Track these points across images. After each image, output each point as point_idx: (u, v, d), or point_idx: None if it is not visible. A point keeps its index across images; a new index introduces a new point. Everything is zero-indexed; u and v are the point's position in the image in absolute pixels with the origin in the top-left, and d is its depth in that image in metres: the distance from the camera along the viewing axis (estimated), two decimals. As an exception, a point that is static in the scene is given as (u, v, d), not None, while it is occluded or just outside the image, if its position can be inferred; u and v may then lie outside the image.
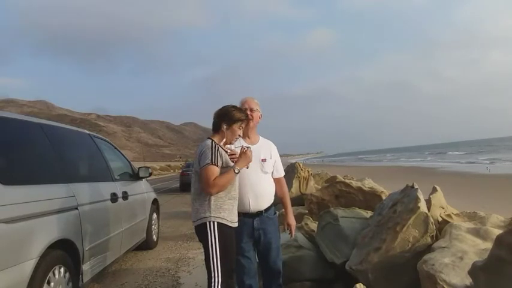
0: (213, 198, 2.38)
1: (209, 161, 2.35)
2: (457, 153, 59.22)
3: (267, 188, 2.76)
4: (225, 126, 2.50)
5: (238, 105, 2.80)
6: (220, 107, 2.59)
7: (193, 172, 2.52)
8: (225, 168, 2.41)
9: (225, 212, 2.41)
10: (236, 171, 2.42)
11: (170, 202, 13.22)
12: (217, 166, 2.37)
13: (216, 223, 2.37)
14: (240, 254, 2.65)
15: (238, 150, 2.57)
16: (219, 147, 2.44)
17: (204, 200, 2.39)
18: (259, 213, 2.70)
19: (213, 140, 2.46)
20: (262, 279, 2.89)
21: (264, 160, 2.75)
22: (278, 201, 2.94)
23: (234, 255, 2.52)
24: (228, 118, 2.50)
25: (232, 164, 2.45)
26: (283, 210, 3.02)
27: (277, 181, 2.87)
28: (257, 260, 2.81)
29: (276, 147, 2.90)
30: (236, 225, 2.50)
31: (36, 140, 3.18)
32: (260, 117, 2.83)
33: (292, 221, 2.90)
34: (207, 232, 2.37)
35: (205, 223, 2.38)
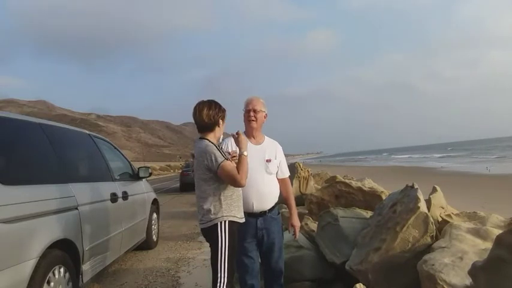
0: (222, 198, 2.40)
1: (221, 159, 2.37)
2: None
3: (271, 188, 2.76)
4: (221, 122, 2.52)
5: (243, 105, 2.80)
6: (202, 106, 2.48)
7: (196, 176, 2.49)
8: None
9: (234, 209, 2.44)
10: (245, 154, 2.43)
11: (170, 202, 13.22)
12: (229, 161, 2.42)
13: (227, 222, 2.39)
14: (243, 253, 2.65)
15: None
16: (218, 146, 2.47)
17: (215, 201, 2.40)
18: (262, 213, 2.70)
19: (210, 141, 2.46)
20: (263, 279, 2.89)
21: (268, 160, 2.75)
22: (281, 201, 2.93)
23: (235, 255, 2.52)
24: (223, 113, 2.52)
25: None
26: (285, 209, 3.01)
27: (281, 181, 2.87)
28: (259, 260, 2.81)
29: (281, 148, 2.90)
30: (243, 220, 2.51)
31: (36, 140, 3.18)
32: (265, 117, 2.82)
33: (296, 222, 2.89)
34: (218, 232, 2.38)
35: (217, 224, 2.38)
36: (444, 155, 54.62)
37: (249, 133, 2.79)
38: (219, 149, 2.46)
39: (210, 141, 2.46)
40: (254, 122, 2.74)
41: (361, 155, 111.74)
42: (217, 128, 2.51)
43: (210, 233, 2.42)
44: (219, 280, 2.35)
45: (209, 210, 2.40)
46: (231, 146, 2.71)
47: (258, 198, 2.67)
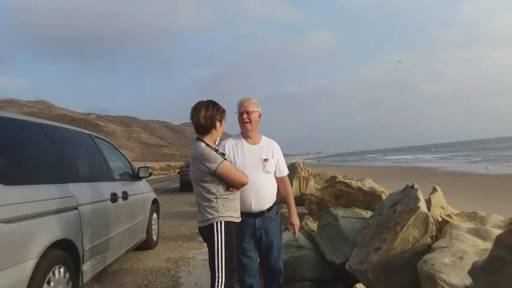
0: (219, 198, 2.39)
1: (221, 159, 2.37)
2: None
3: (269, 187, 2.75)
4: (218, 124, 2.47)
5: (236, 106, 2.79)
6: (199, 107, 2.44)
7: (191, 177, 2.48)
8: None
9: (231, 210, 2.43)
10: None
11: (170, 202, 13.23)
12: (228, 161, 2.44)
13: (223, 222, 2.39)
14: (241, 253, 2.65)
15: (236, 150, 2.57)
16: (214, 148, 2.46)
17: (212, 201, 2.39)
18: (261, 213, 2.70)
19: (206, 143, 2.44)
20: (262, 279, 2.89)
21: (266, 160, 2.74)
22: (280, 200, 2.93)
23: (235, 255, 2.52)
24: (221, 115, 2.48)
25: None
26: (285, 209, 3.01)
27: (280, 180, 2.87)
28: (258, 260, 2.81)
29: (279, 147, 2.89)
30: (240, 219, 2.51)
31: (36, 140, 3.18)
32: (259, 117, 2.81)
33: (295, 220, 2.88)
34: (214, 232, 2.38)
35: (213, 224, 2.38)
36: (430, 156, 54.95)
37: (245, 134, 2.79)
38: (216, 150, 2.46)
39: (206, 143, 2.44)
40: (248, 124, 2.73)
41: (355, 156, 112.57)
42: (214, 130, 2.46)
43: (207, 233, 2.42)
44: (216, 280, 2.36)
45: (206, 210, 2.40)
46: (227, 150, 2.71)
47: (256, 198, 2.67)
